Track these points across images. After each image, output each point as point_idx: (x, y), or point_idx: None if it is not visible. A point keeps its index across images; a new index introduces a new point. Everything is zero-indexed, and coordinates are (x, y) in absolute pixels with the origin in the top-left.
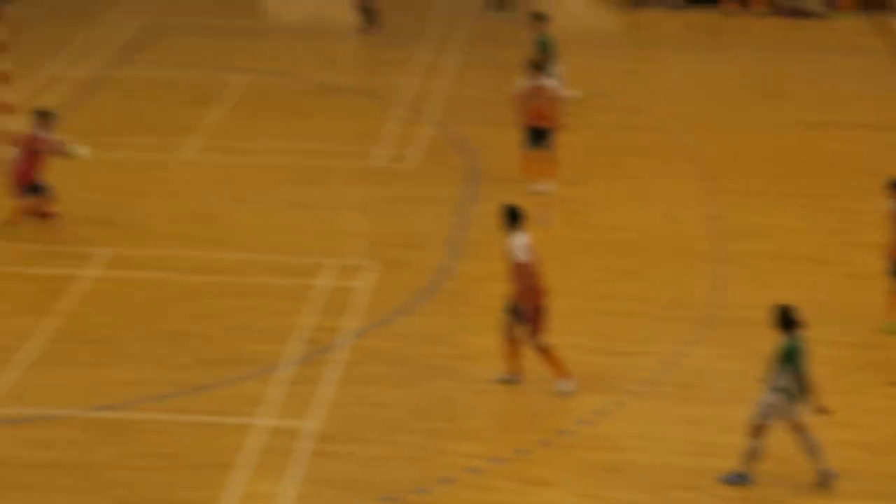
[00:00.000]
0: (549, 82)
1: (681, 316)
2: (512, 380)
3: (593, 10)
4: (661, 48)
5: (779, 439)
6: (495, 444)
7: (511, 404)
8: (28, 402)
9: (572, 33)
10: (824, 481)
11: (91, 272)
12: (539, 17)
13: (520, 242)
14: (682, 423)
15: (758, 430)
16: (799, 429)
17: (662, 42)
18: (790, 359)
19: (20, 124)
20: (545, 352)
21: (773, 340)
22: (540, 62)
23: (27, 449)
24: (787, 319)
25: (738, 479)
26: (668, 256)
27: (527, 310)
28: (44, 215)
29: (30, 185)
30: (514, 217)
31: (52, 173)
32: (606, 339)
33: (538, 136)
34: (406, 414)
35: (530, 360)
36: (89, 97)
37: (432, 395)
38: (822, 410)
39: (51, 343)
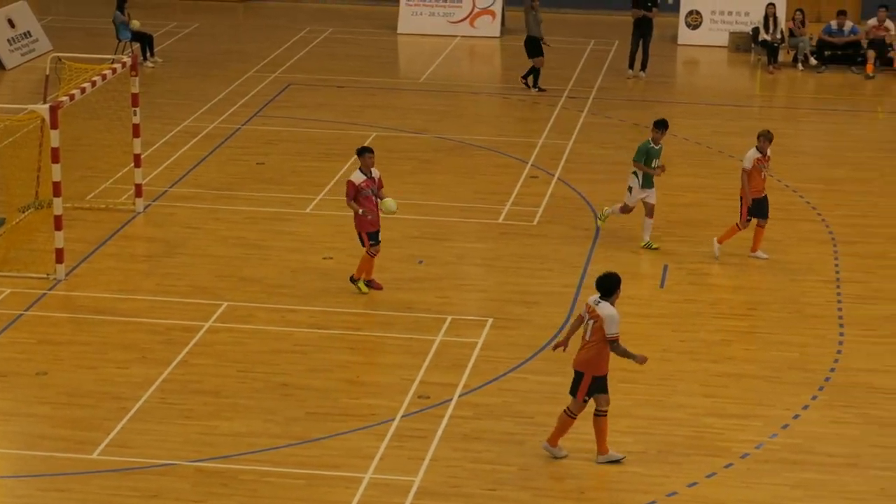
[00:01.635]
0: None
1: (797, 379)
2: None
3: (732, 71)
4: (797, 109)
5: None
6: None
7: (620, 466)
8: (137, 450)
9: (714, 94)
10: None
11: (209, 324)
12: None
13: (610, 313)
14: (793, 487)
15: None
16: None
17: (799, 103)
18: None
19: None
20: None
21: (888, 405)
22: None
23: (134, 498)
24: None
25: None
26: (789, 319)
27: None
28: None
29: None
30: (610, 286)
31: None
32: (718, 401)
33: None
34: (514, 471)
35: (633, 422)
36: (217, 150)
37: (541, 453)
38: None
39: (164, 393)
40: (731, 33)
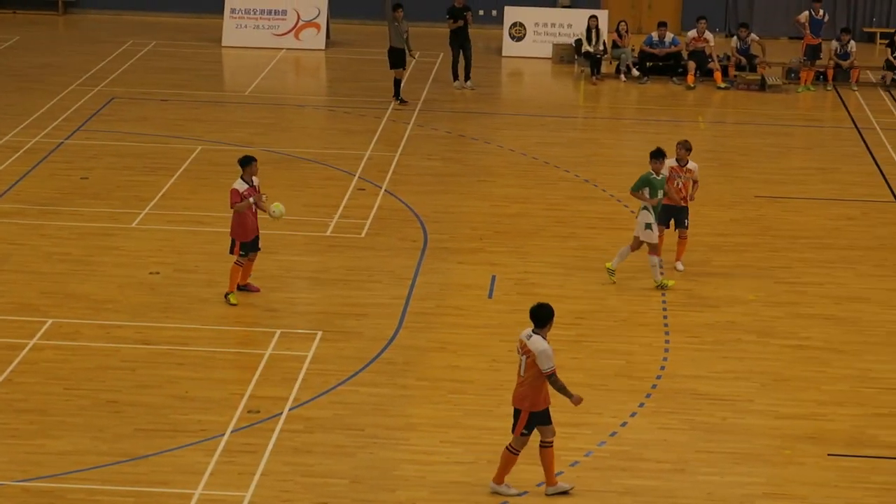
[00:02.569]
0: (692, 165)
1: (625, 387)
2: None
3: (555, 82)
4: (620, 120)
5: None
6: None
7: (451, 476)
8: None
9: (539, 105)
10: None
11: (34, 341)
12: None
13: (543, 348)
14: (622, 494)
15: None
16: None
17: (622, 113)
18: None
19: None
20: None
21: (713, 411)
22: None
23: None
24: None
25: None
26: (615, 327)
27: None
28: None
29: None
30: (544, 317)
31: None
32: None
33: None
34: (346, 484)
35: (464, 432)
36: (41, 165)
37: (372, 465)
38: None
39: None
40: (555, 45)
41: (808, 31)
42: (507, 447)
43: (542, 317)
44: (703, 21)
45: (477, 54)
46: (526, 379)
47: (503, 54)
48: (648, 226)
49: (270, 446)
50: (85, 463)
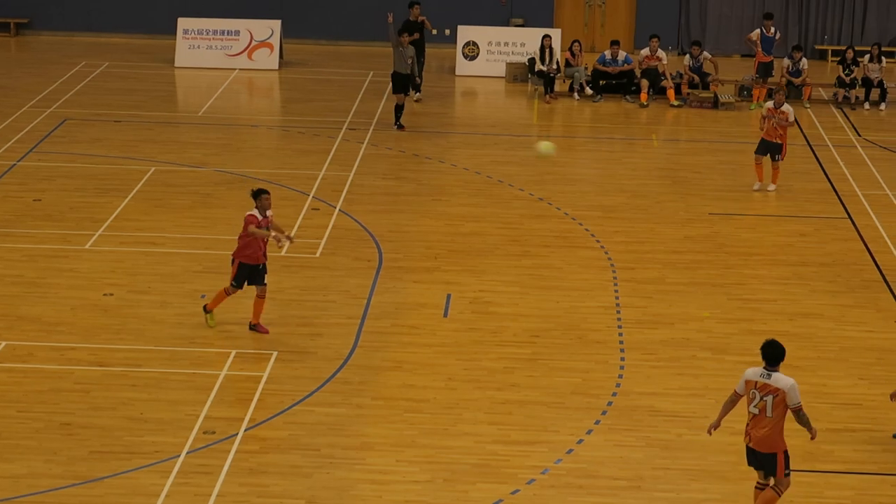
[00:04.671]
0: (786, 108)
1: (580, 404)
2: None
3: (509, 101)
4: (574, 138)
5: None
6: None
7: (407, 496)
8: None
9: (492, 123)
10: None
11: None
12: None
13: (793, 383)
14: None
15: None
16: None
17: (576, 132)
18: None
19: None
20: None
21: (669, 427)
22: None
23: None
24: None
25: None
26: (571, 345)
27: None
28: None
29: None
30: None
31: None
32: (504, 428)
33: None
34: None
35: (420, 451)
36: None
37: (329, 485)
38: None
39: None
40: (508, 64)
41: (759, 49)
42: (773, 488)
43: (777, 355)
44: (656, 39)
45: (430, 73)
46: (773, 419)
47: (457, 73)
48: None
49: (226, 467)
50: (39, 486)
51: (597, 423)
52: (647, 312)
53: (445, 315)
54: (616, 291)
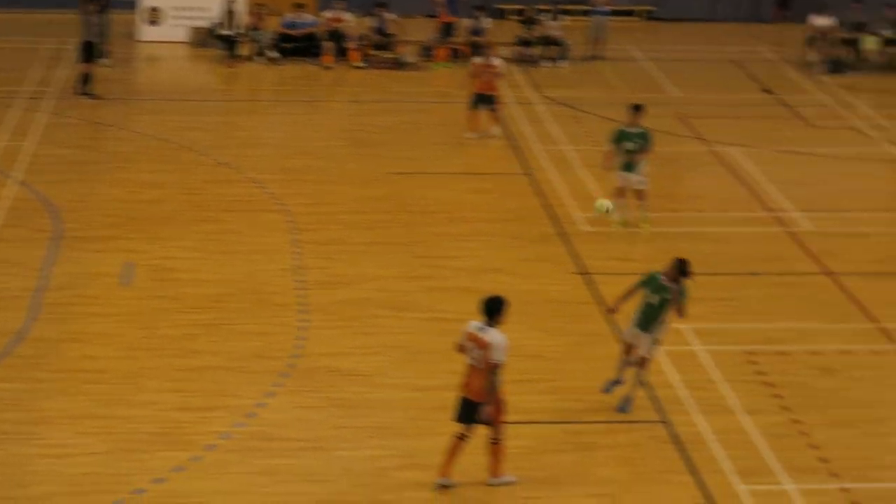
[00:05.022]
0: (496, 61)
1: (262, 367)
2: (451, 484)
3: (193, 66)
4: (258, 101)
5: None
6: None
7: (85, 468)
8: None
9: (176, 89)
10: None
11: None
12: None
13: (500, 340)
14: (260, 474)
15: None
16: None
17: (260, 95)
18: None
19: None
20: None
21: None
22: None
23: None
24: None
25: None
26: (252, 309)
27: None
28: None
29: None
30: (496, 310)
31: None
32: (185, 395)
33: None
34: None
35: (98, 422)
36: None
37: (4, 462)
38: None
39: None
40: (192, 28)
41: (444, 9)
42: (491, 441)
43: (491, 309)
44: (342, 2)
45: (112, 39)
46: (485, 371)
47: (139, 39)
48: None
49: None
50: None
51: (278, 385)
52: (328, 273)
53: (127, 283)
54: (297, 253)
